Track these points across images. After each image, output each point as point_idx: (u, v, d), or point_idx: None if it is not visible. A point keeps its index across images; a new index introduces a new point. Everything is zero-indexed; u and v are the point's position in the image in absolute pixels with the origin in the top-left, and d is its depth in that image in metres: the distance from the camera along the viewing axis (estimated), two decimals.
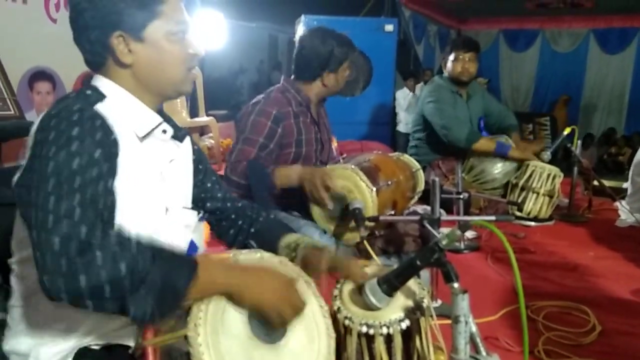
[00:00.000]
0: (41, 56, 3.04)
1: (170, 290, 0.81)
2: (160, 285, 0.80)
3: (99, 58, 0.99)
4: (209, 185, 1.22)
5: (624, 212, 2.69)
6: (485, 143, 2.81)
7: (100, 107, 0.94)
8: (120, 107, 0.97)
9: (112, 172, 0.89)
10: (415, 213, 1.99)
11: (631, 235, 2.51)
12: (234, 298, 0.87)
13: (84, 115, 0.89)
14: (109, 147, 0.90)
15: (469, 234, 2.41)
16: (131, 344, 0.97)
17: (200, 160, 1.19)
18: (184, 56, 1.02)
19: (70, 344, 0.94)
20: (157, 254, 0.82)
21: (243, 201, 1.29)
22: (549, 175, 2.65)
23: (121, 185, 0.91)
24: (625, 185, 2.82)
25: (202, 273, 0.83)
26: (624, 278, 1.98)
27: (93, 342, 0.95)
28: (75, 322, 0.94)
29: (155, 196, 1.00)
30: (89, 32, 0.96)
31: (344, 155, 2.51)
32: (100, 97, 0.96)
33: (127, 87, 1.00)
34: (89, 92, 0.96)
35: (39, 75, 3.04)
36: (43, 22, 3.04)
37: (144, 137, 0.99)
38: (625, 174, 2.79)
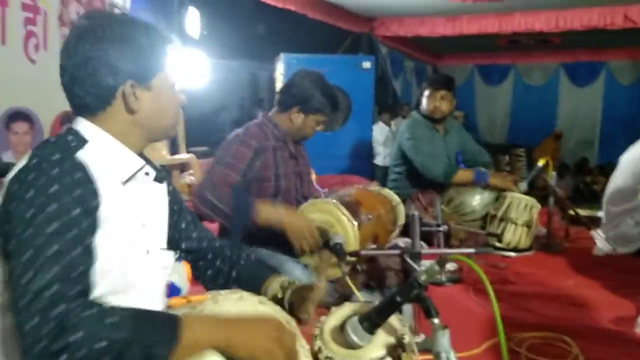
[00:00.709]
0: (19, 97, 3.01)
1: None
2: (141, 358, 0.79)
3: (101, 103, 0.98)
4: (183, 225, 1.21)
5: (600, 241, 2.74)
6: (463, 174, 2.87)
7: (81, 154, 0.93)
8: (102, 152, 0.97)
9: (91, 228, 0.89)
10: (396, 247, 2.00)
11: (608, 263, 2.55)
12: (225, 352, 0.86)
13: (63, 168, 0.89)
14: (89, 201, 0.89)
15: (451, 266, 2.42)
16: None
17: (175, 200, 1.18)
18: (178, 103, 1.07)
19: None
20: (137, 322, 0.81)
21: (221, 240, 1.28)
22: (526, 206, 2.70)
23: (104, 232, 0.90)
24: (600, 213, 2.88)
25: (185, 334, 0.82)
26: (604, 307, 2.00)
27: None
28: None
29: (136, 239, 0.99)
30: (97, 78, 0.96)
31: (326, 189, 2.53)
32: (82, 143, 0.95)
33: (115, 131, 1.00)
34: (70, 137, 0.96)
35: (16, 115, 3.01)
36: (22, 63, 3.04)
37: (126, 181, 0.99)
38: (600, 202, 2.86)
